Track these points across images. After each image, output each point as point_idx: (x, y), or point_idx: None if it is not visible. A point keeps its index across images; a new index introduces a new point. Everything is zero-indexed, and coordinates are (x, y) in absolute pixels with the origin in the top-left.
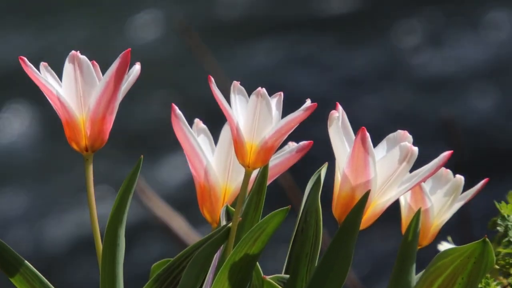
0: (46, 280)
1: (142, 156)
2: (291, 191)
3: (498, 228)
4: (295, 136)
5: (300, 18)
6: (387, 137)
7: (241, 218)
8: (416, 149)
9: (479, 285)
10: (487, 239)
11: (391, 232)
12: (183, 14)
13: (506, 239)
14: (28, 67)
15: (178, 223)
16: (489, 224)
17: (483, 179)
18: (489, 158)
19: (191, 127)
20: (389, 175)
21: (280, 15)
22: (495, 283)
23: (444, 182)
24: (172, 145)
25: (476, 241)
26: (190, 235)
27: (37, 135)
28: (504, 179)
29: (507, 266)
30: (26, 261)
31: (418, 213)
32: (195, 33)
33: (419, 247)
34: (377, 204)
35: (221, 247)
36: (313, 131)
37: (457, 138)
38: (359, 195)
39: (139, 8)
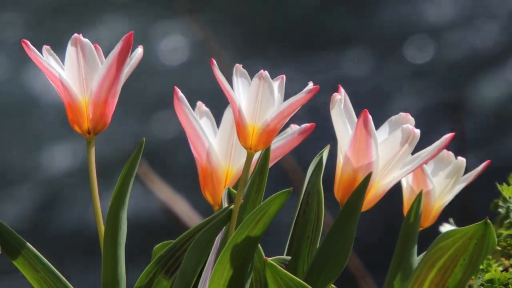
0: (48, 262)
1: (144, 138)
2: (293, 173)
3: (500, 209)
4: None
5: None
6: (389, 119)
7: (243, 200)
8: (418, 131)
9: (481, 267)
10: (488, 221)
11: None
12: None
13: (508, 220)
14: (31, 51)
15: (181, 207)
16: (490, 205)
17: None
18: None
19: (193, 109)
20: (391, 157)
21: None
22: (496, 264)
23: (446, 164)
24: None
25: (478, 223)
26: (193, 218)
27: None
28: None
29: (509, 248)
30: (28, 244)
31: (420, 195)
32: (201, 18)
33: (420, 229)
34: (379, 186)
35: (223, 229)
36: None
37: (460, 121)
38: (361, 177)
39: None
